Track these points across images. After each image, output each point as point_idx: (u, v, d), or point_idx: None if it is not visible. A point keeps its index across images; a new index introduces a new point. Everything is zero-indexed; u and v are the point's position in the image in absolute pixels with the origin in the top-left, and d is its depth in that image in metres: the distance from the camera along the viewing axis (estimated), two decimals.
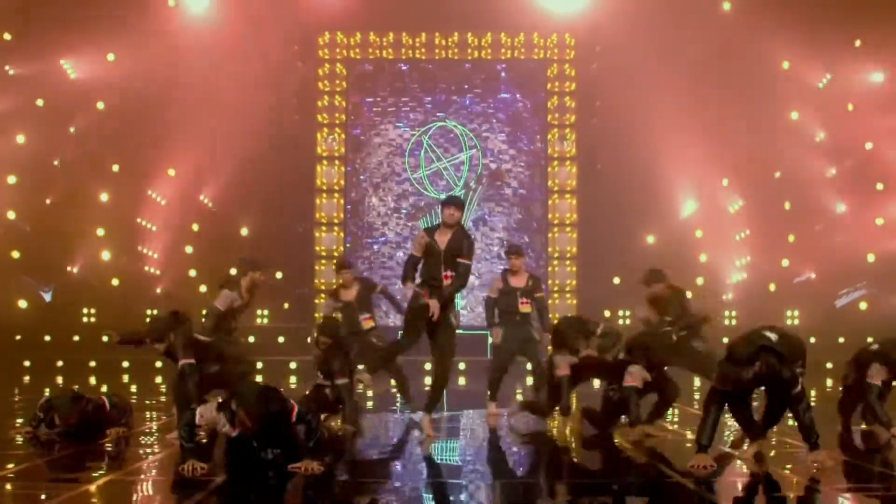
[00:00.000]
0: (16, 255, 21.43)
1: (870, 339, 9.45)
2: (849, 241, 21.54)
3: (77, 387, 11.45)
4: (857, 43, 21.39)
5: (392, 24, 21.92)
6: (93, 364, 20.01)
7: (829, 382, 15.84)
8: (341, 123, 22.14)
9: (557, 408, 9.31)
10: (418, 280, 8.85)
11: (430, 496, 6.46)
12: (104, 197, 22.11)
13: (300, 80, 22.05)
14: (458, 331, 8.82)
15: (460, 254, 8.74)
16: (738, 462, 7.43)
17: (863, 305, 22.00)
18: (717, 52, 21.02)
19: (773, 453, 7.71)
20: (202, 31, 20.99)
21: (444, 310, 8.66)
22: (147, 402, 12.55)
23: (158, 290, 22.42)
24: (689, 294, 10.67)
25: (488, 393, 10.63)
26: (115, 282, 22.13)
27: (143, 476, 7.05)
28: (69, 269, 22.04)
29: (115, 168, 22.16)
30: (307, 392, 9.11)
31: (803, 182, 21.97)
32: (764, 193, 22.09)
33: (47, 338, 21.25)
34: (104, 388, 13.78)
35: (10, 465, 7.20)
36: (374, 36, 22.06)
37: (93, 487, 6.47)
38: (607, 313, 22.10)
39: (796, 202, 22.17)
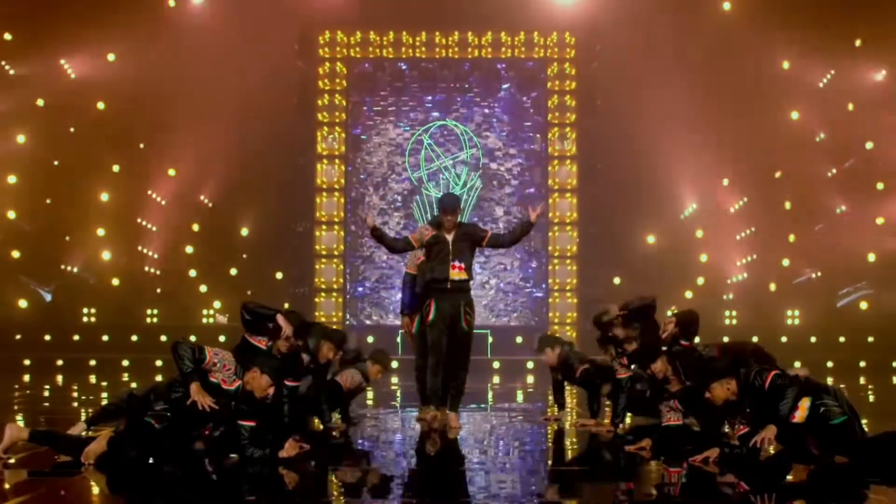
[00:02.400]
0: (16, 254, 21.41)
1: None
2: (849, 240, 21.52)
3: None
4: (858, 42, 21.37)
5: (392, 23, 21.90)
6: (93, 363, 20.03)
7: (830, 380, 15.82)
8: (341, 122, 22.13)
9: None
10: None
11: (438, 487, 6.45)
12: (104, 197, 22.10)
13: (300, 79, 22.03)
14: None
15: (475, 239, 9.14)
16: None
17: (863, 305, 21.99)
18: (717, 52, 21.01)
19: None
20: (202, 31, 20.96)
21: (461, 315, 8.95)
22: None
23: (158, 290, 22.43)
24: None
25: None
26: (115, 282, 22.11)
27: None
28: (69, 268, 22.02)
29: (115, 168, 22.15)
30: None
31: (804, 182, 21.96)
32: (764, 193, 22.07)
33: (47, 337, 21.23)
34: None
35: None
36: (375, 35, 22.05)
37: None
38: None
39: (797, 202, 22.16)
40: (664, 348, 8.04)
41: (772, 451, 7.16)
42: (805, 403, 6.71)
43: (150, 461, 6.63)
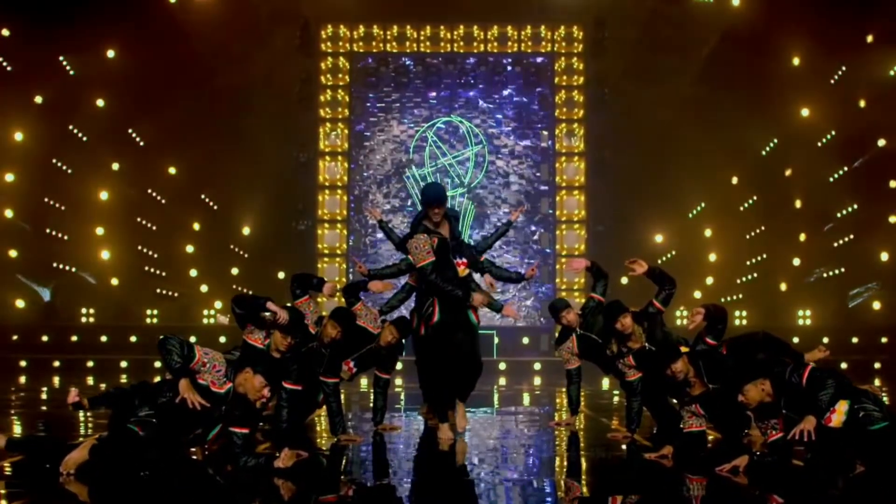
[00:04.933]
0: (13, 254, 21.13)
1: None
2: (861, 239, 21.19)
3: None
4: (869, 38, 21.04)
5: (396, 17, 21.68)
6: (91, 364, 19.82)
7: None
8: (344, 118, 21.87)
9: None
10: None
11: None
12: (103, 195, 21.84)
13: (302, 73, 21.79)
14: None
15: (461, 239, 8.62)
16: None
17: (876, 305, 21.65)
18: (726, 48, 20.74)
19: None
20: (203, 27, 20.74)
21: (467, 312, 8.53)
22: None
23: (158, 290, 22.18)
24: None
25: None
26: (114, 281, 21.86)
27: None
28: (68, 268, 21.75)
29: (115, 166, 21.91)
30: None
31: (814, 180, 21.65)
32: (774, 191, 21.79)
33: (45, 338, 20.97)
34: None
35: None
36: (378, 29, 21.80)
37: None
38: None
39: (807, 200, 21.85)
40: (681, 345, 7.67)
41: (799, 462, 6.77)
42: (843, 407, 6.34)
43: (134, 470, 6.26)
